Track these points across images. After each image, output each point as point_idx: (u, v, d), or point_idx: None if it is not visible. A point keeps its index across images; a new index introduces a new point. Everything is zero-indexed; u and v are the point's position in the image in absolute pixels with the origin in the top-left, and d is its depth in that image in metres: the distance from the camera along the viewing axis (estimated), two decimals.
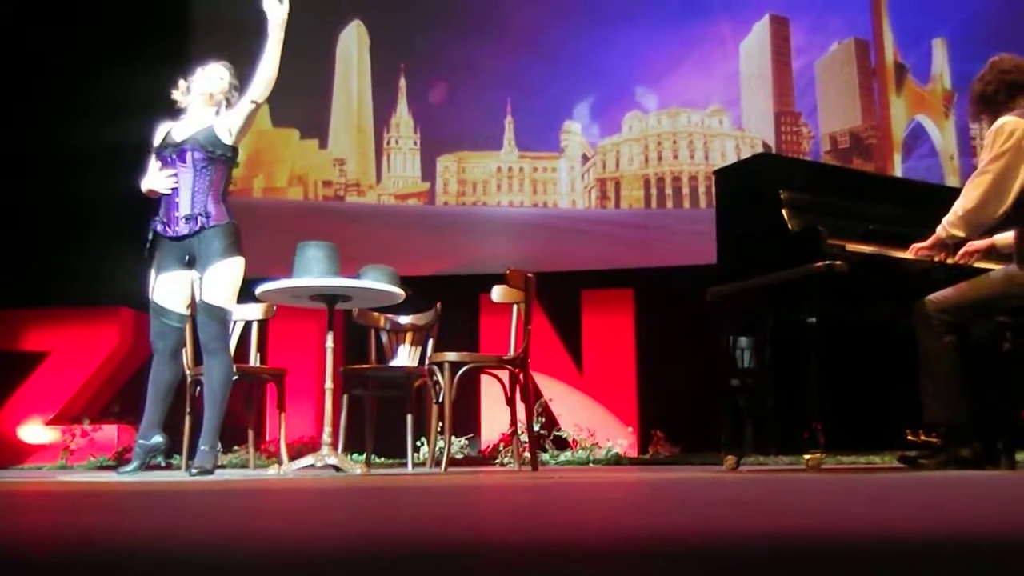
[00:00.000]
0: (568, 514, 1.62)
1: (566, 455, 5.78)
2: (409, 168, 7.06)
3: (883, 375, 3.72)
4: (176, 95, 3.91)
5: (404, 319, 4.97)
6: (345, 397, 4.64)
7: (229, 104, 3.91)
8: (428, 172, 7.03)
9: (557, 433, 5.92)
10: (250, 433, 4.92)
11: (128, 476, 3.65)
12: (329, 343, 4.26)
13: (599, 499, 2.10)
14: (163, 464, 3.91)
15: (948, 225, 3.32)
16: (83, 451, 5.97)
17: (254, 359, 4.82)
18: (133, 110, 4.78)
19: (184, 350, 4.62)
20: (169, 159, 3.76)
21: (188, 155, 3.74)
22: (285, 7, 3.81)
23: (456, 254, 6.79)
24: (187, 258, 3.77)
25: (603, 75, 6.84)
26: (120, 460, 5.95)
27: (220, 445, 3.91)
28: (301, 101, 6.97)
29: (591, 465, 5.55)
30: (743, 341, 3.93)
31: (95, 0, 6.74)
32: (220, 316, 3.74)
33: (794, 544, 1.05)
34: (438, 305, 4.86)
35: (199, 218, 3.72)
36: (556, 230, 6.88)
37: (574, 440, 5.92)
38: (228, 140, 3.81)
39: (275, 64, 3.79)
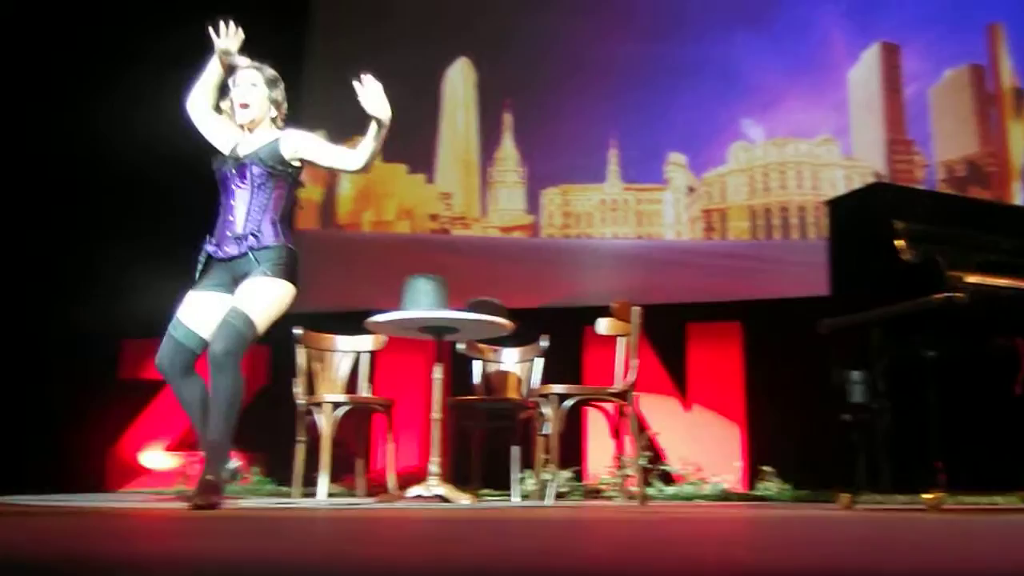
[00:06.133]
0: (682, 549, 1.61)
1: (672, 490, 5.70)
2: (514, 201, 7.14)
3: (1006, 412, 3.58)
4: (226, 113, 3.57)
5: (510, 351, 5.00)
6: (452, 428, 4.69)
7: (279, 106, 3.57)
8: (533, 205, 7.08)
9: (663, 467, 5.85)
10: (359, 462, 5.00)
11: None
12: (437, 374, 4.32)
13: (712, 534, 2.07)
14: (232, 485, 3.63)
15: None
16: (199, 477, 6.15)
17: (363, 389, 4.91)
18: None
19: (295, 380, 4.75)
20: (228, 174, 3.43)
21: (247, 171, 3.40)
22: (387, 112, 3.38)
23: (561, 286, 6.81)
24: (232, 284, 3.39)
25: (708, 107, 6.80)
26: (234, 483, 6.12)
27: (232, 462, 3.46)
28: (409, 137, 7.12)
29: (698, 501, 5.46)
30: (856, 375, 3.83)
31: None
32: (243, 327, 3.27)
33: None
34: (544, 337, 4.88)
35: (249, 237, 3.35)
36: (661, 262, 6.83)
37: (680, 475, 5.84)
38: (292, 159, 3.46)
39: (376, 152, 3.45)
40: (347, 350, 4.97)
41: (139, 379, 6.59)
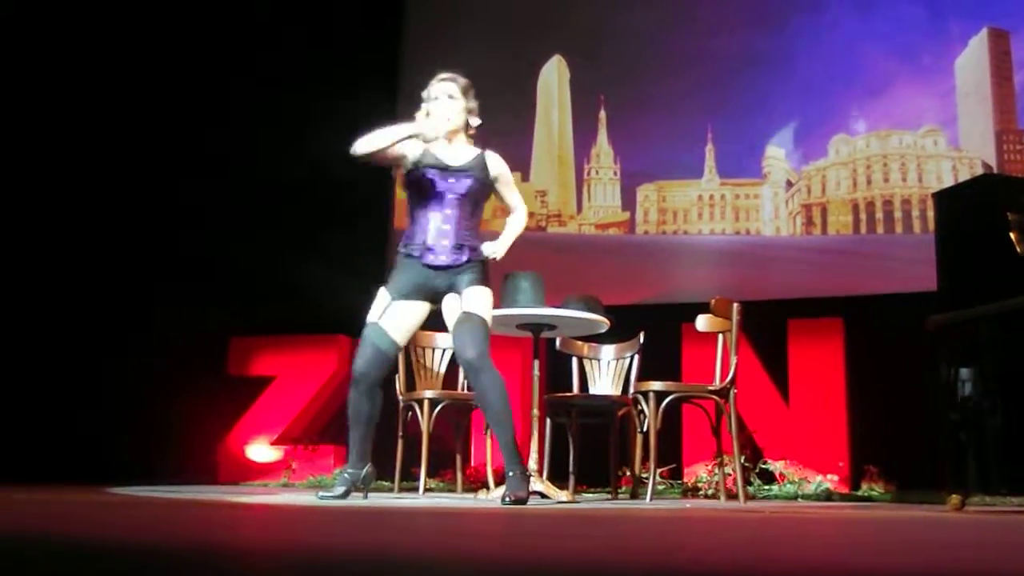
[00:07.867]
0: (790, 550, 1.59)
1: (773, 489, 5.61)
2: (609, 198, 7.12)
3: None
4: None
5: (607, 348, 5.00)
6: (548, 424, 4.71)
7: (473, 114, 3.60)
8: (628, 201, 7.06)
9: (763, 466, 5.76)
10: (457, 458, 5.07)
11: (330, 500, 3.49)
12: (535, 371, 4.35)
13: (819, 535, 2.04)
14: (366, 496, 3.70)
15: None
16: (303, 470, 6.32)
17: (461, 386, 4.97)
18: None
19: (396, 376, 4.84)
20: (438, 180, 3.47)
21: (465, 183, 3.48)
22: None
23: (657, 283, 6.77)
24: (433, 292, 3.51)
25: (807, 99, 6.67)
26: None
27: (520, 469, 3.43)
28: (504, 136, 7.15)
29: (799, 500, 5.37)
30: (964, 372, 3.72)
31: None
32: (484, 326, 3.42)
33: None
34: (641, 334, 4.86)
35: (467, 250, 3.48)
36: (759, 258, 6.73)
37: (781, 474, 5.74)
38: (492, 179, 3.62)
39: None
40: (445, 347, 5.04)
41: (246, 376, 6.81)
